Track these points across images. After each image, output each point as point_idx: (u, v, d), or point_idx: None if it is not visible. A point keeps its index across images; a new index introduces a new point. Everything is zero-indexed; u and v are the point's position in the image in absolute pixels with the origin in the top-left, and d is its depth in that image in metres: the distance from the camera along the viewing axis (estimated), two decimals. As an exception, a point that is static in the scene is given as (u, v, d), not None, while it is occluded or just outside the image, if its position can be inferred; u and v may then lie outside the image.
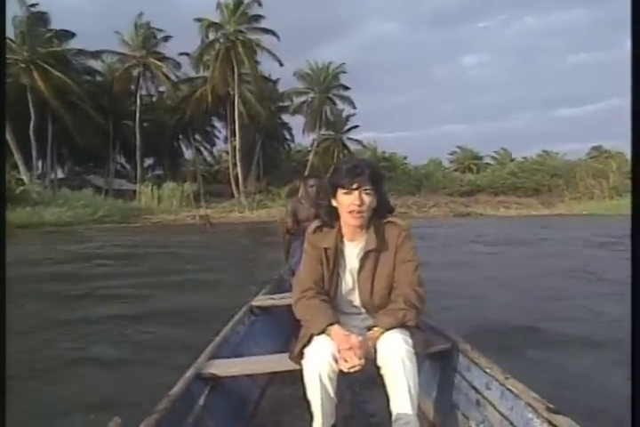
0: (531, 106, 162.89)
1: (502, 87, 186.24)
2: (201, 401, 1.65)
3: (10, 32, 29.10)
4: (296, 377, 1.61)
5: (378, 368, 1.52)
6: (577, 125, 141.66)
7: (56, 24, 31.25)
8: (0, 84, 1.35)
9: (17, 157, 28.59)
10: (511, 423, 1.41)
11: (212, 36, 34.33)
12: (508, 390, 1.48)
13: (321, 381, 1.47)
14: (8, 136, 26.99)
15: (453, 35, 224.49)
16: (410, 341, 1.53)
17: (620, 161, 45.10)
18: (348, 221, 1.65)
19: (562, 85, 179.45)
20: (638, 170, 0.94)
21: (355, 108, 42.44)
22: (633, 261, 0.93)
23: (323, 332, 1.54)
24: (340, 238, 1.73)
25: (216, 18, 33.89)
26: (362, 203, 1.59)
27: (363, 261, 1.70)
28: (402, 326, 1.56)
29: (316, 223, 1.76)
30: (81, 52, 33.41)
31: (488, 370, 1.63)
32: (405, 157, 53.80)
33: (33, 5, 29.35)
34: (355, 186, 1.58)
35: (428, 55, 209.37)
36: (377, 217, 1.70)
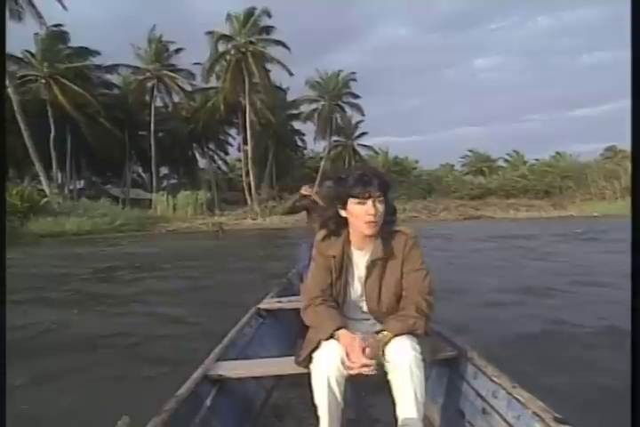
0: (545, 107, 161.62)
1: (516, 89, 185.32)
2: (208, 402, 1.68)
3: (31, 49, 30.44)
4: (302, 380, 1.65)
5: (385, 374, 1.53)
6: (593, 125, 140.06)
7: (72, 39, 32.39)
8: (0, 88, 1.46)
9: (38, 168, 29.67)
10: None
11: (222, 47, 35.10)
12: (515, 399, 1.48)
13: (329, 385, 1.48)
14: (30, 149, 28.08)
15: (465, 37, 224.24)
16: (418, 347, 1.53)
17: (636, 161, 44.85)
18: (363, 230, 1.65)
19: (576, 85, 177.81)
20: (639, 171, 0.94)
21: (363, 115, 43.18)
22: (633, 260, 0.92)
23: (331, 337, 1.56)
24: (347, 246, 1.74)
25: (226, 30, 34.71)
26: (377, 212, 1.60)
27: (370, 269, 1.71)
28: (410, 333, 1.57)
29: (323, 231, 1.77)
30: (97, 67, 34.57)
31: (495, 378, 1.63)
32: (417, 161, 54.44)
33: (56, 26, 30.49)
34: (367, 195, 1.59)
35: (440, 59, 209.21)
36: (384, 224, 1.69)
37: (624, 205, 34.70)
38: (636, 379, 0.89)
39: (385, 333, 1.56)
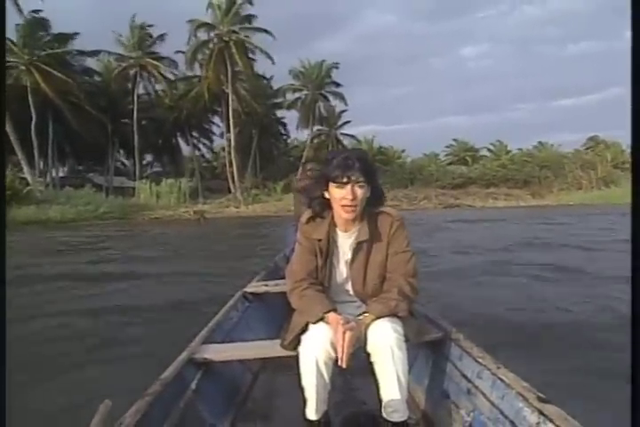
0: (531, 96, 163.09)
1: (502, 78, 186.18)
2: (193, 385, 1.67)
3: (11, 37, 30.14)
4: (288, 363, 1.66)
5: (367, 356, 1.53)
6: (578, 115, 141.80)
7: (52, 25, 32.02)
8: (0, 86, 1.36)
9: (20, 156, 29.61)
10: (501, 412, 1.43)
11: (204, 35, 35.05)
12: (500, 379, 1.49)
13: (317, 367, 1.48)
14: (11, 136, 28.00)
15: (452, 26, 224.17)
16: (400, 329, 1.53)
17: (616, 151, 45.95)
18: (340, 214, 1.62)
19: (563, 75, 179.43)
20: (638, 167, 0.94)
21: (346, 104, 43.44)
22: (633, 261, 0.92)
23: (321, 319, 1.55)
24: (332, 229, 1.71)
25: (209, 18, 34.57)
26: (354, 197, 1.56)
27: (355, 251, 1.69)
28: (392, 315, 1.57)
29: (308, 213, 1.74)
30: (79, 53, 34.31)
31: (480, 359, 1.63)
32: (404, 151, 55.15)
33: (35, 11, 30.28)
34: (346, 179, 1.55)
35: (427, 47, 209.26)
36: (370, 207, 1.66)
37: (598, 195, 35.81)
38: (636, 377, 0.88)
39: (366, 315, 1.56)
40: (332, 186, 1.59)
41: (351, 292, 1.76)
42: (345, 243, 1.71)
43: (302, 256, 1.73)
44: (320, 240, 1.69)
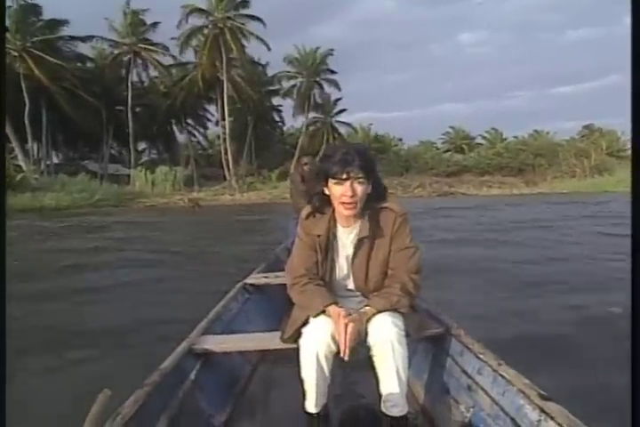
0: (529, 83, 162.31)
1: (500, 65, 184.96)
2: (192, 376, 1.67)
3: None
4: (288, 355, 1.66)
5: (368, 349, 1.53)
6: (576, 103, 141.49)
7: (45, 12, 31.78)
8: (0, 81, 1.37)
9: (14, 144, 29.53)
10: (502, 409, 1.42)
11: (198, 21, 34.75)
12: (500, 375, 1.48)
13: (318, 361, 1.48)
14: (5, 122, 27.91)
15: (451, 11, 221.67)
16: (400, 324, 1.52)
17: (611, 139, 46.07)
18: (340, 211, 1.60)
19: (561, 62, 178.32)
20: (638, 161, 0.94)
21: (340, 90, 43.22)
22: (633, 259, 0.91)
23: (322, 313, 1.54)
24: (333, 224, 1.69)
25: (203, 4, 34.27)
26: (354, 193, 1.53)
27: (357, 247, 1.66)
28: (393, 310, 1.56)
29: (308, 209, 1.71)
30: (72, 38, 33.91)
31: (481, 356, 1.63)
32: (401, 139, 55.08)
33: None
34: (345, 176, 1.52)
35: (425, 33, 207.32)
36: (372, 203, 1.63)
37: (592, 183, 36.02)
38: (636, 379, 0.88)
39: (367, 308, 1.55)
40: (331, 182, 1.56)
41: (350, 287, 1.75)
42: (346, 238, 1.70)
43: (302, 252, 1.72)
44: (320, 236, 1.67)
